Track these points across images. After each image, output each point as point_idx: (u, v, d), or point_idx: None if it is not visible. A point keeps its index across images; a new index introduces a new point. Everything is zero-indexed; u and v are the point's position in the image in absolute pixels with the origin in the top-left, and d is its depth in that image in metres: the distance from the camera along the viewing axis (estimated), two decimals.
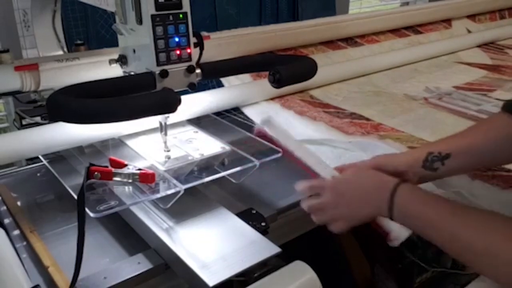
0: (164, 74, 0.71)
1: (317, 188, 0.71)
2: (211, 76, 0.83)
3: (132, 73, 0.77)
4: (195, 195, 0.85)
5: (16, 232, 0.83)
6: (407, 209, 0.61)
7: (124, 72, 0.79)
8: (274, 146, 0.91)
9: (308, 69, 0.84)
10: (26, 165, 1.03)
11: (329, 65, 1.36)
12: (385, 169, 0.70)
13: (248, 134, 0.99)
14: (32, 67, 0.92)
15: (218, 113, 1.11)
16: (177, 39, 0.72)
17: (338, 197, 0.68)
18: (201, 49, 0.77)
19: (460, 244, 0.56)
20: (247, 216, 0.81)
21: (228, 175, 0.86)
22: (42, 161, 0.93)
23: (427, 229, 0.59)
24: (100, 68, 0.98)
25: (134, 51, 0.75)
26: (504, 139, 0.69)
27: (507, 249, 0.51)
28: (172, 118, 0.87)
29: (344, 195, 0.68)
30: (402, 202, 0.61)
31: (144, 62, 0.73)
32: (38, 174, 1.02)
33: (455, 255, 0.57)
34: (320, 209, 0.70)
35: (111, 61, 0.79)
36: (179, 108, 0.68)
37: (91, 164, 0.79)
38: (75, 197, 0.72)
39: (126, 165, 0.80)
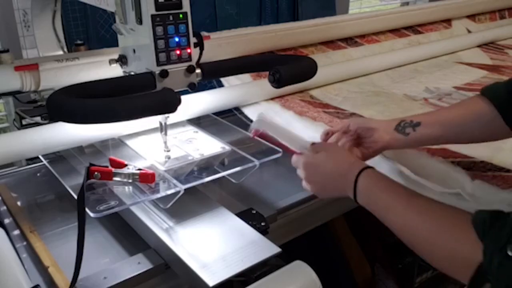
0: (164, 74, 0.71)
1: (296, 163, 0.75)
2: (211, 76, 0.83)
3: (132, 73, 0.77)
4: (195, 195, 0.85)
5: (16, 232, 0.83)
6: (369, 195, 0.65)
7: (124, 72, 0.79)
8: (274, 146, 0.91)
9: (308, 69, 0.84)
10: (26, 165, 1.03)
11: (329, 65, 1.36)
12: (364, 135, 0.77)
13: (248, 134, 0.99)
14: (32, 67, 0.92)
15: (219, 113, 1.11)
16: (177, 39, 0.72)
17: (310, 176, 0.73)
18: (201, 49, 0.77)
19: (408, 230, 0.59)
20: (247, 216, 0.81)
21: (228, 175, 0.86)
22: (42, 161, 0.93)
23: (384, 214, 0.62)
24: (100, 68, 0.98)
25: (134, 51, 0.75)
26: (475, 118, 0.73)
27: (445, 240, 0.54)
28: (172, 118, 0.87)
29: (314, 175, 0.72)
30: (364, 187, 0.65)
31: (144, 62, 0.73)
32: (38, 174, 1.02)
33: (405, 241, 0.60)
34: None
35: (111, 61, 0.79)
36: (179, 108, 0.68)
37: (91, 164, 0.79)
38: (75, 197, 0.72)
39: (126, 165, 0.80)
